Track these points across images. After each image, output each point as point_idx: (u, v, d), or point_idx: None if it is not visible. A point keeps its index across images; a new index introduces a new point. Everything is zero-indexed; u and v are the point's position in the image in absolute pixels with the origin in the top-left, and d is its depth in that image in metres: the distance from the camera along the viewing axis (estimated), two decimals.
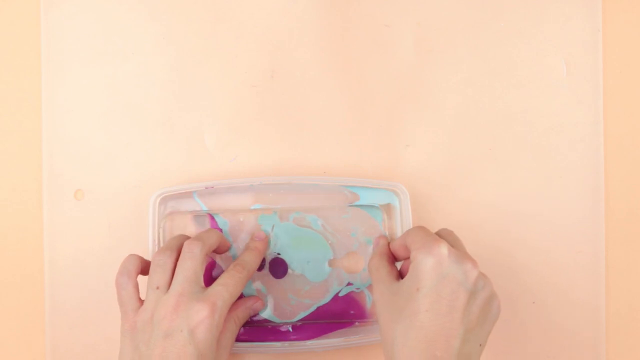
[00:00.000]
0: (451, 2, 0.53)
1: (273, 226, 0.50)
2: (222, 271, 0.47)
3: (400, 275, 0.45)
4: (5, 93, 0.51)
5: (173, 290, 0.42)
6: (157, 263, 0.44)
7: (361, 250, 0.51)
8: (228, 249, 0.49)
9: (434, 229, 0.46)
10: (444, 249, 0.41)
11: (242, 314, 0.48)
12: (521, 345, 0.52)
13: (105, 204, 0.51)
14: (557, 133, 0.53)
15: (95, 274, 0.50)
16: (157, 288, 0.43)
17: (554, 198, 0.53)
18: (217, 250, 0.48)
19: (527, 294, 0.52)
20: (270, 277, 0.51)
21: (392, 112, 0.52)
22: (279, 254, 0.51)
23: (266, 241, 0.50)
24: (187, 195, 0.50)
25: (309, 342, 0.49)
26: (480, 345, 0.41)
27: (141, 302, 0.44)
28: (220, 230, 0.50)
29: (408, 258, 0.44)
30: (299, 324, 0.51)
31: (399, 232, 0.50)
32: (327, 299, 0.51)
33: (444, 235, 0.44)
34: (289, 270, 0.51)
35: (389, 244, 0.48)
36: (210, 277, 0.50)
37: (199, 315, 0.41)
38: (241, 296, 0.49)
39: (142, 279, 0.45)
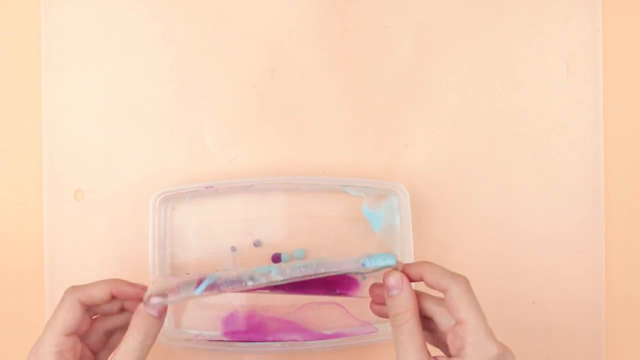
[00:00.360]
0: (451, 2, 0.53)
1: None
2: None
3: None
4: (5, 93, 0.51)
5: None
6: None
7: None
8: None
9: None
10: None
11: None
12: (521, 345, 0.52)
13: (105, 204, 0.51)
14: (557, 133, 0.53)
15: (96, 274, 0.50)
16: None
17: (554, 198, 0.53)
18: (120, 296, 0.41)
19: (527, 294, 0.52)
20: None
21: (392, 112, 0.52)
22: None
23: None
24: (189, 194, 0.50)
25: (309, 343, 0.49)
26: None
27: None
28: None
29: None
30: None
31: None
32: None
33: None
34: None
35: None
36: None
37: None
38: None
39: None
